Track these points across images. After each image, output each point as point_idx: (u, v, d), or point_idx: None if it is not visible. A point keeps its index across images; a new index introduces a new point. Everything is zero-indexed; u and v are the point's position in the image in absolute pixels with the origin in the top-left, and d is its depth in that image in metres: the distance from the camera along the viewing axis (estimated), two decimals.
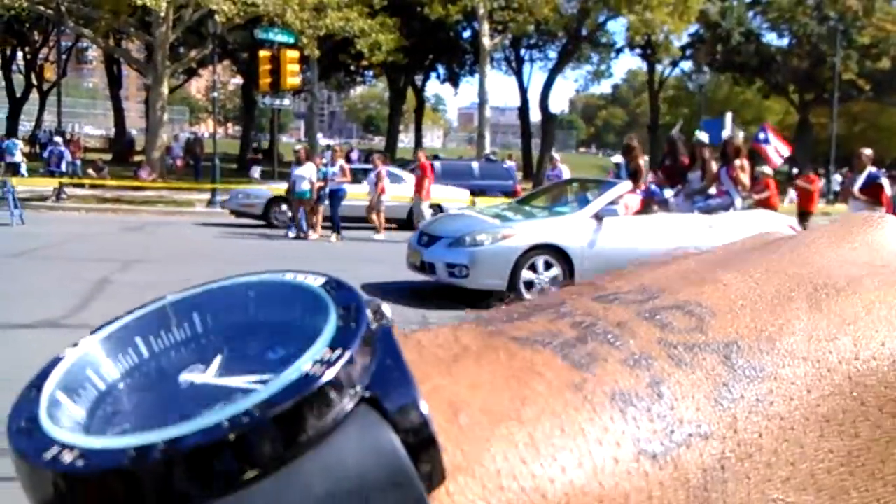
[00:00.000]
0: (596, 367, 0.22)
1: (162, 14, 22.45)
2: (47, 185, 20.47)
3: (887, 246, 0.30)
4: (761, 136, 14.01)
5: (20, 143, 23.96)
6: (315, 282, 0.21)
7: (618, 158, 17.09)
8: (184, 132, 49.79)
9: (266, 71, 21.67)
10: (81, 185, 22.50)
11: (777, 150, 13.90)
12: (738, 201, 9.59)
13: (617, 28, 50.68)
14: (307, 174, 14.29)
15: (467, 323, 0.25)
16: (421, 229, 9.62)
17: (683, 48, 42.29)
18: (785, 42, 44.09)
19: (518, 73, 49.15)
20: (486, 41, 28.74)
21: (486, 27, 28.71)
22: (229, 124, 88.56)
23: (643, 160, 10.70)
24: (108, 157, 38.83)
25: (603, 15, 39.49)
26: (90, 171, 25.58)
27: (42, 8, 23.73)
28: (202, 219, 18.06)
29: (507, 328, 0.25)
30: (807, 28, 40.19)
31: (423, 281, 9.09)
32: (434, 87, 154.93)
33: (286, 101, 23.54)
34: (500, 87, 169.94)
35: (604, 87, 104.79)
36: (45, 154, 21.77)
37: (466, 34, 41.32)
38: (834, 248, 0.29)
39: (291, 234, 14.56)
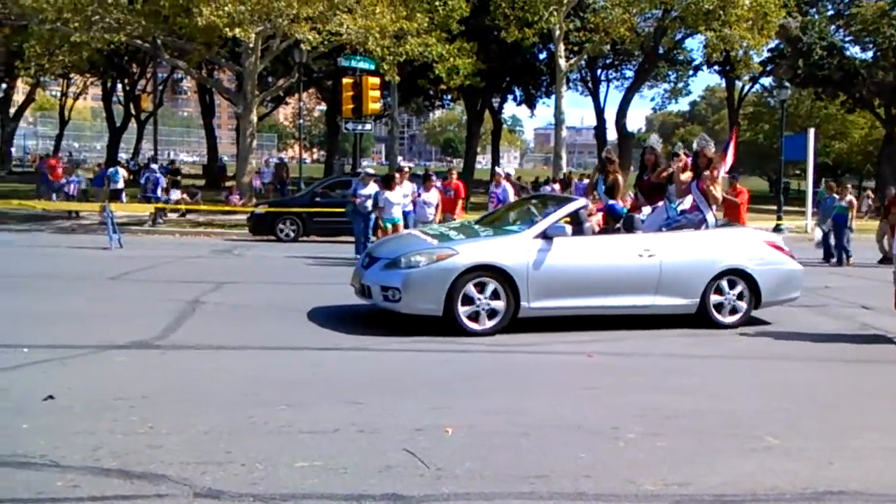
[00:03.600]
0: None
1: (251, 45, 23.59)
2: (144, 210, 21.72)
3: None
4: (729, 142, 13.39)
5: (123, 171, 25.44)
6: None
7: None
8: (272, 157, 51.49)
9: (349, 97, 22.54)
10: (176, 210, 23.75)
11: (732, 158, 13.45)
12: (710, 217, 9.02)
13: (694, 45, 50.20)
14: (395, 199, 13.96)
15: None
16: (367, 251, 9.10)
17: (763, 63, 41.54)
18: (869, 55, 42.87)
19: (594, 93, 49.15)
20: (562, 62, 29.04)
21: (561, 48, 29.02)
22: (315, 149, 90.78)
23: (621, 175, 10.24)
24: (202, 182, 40.59)
25: (680, 32, 39.21)
26: (185, 196, 26.96)
27: (139, 42, 25.19)
28: (289, 242, 18.89)
29: None
30: (892, 40, 38.99)
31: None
32: (511, 108, 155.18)
33: (368, 126, 24.34)
34: (577, 108, 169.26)
35: (681, 105, 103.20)
36: (142, 180, 23.02)
37: (542, 56, 41.61)
38: None
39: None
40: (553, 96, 33.67)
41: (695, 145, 9.51)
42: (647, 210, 9.54)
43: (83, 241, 16.74)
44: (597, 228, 9.03)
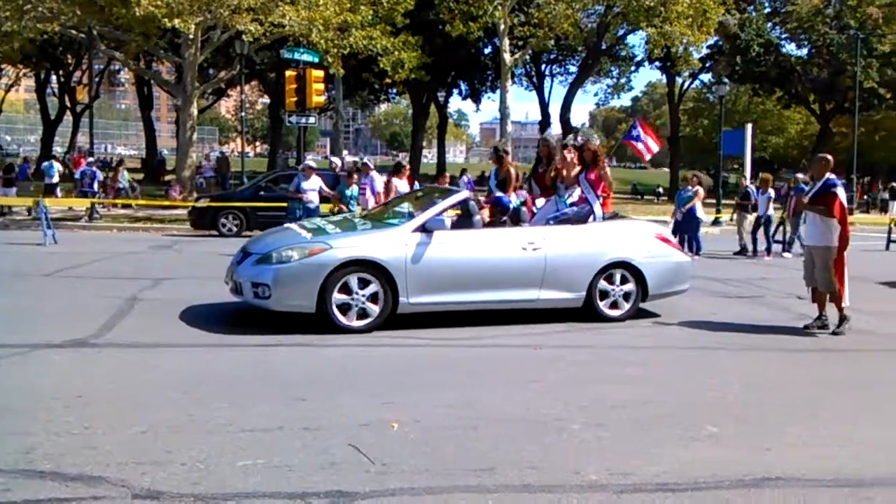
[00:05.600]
0: None
1: (191, 36, 23.14)
2: (80, 204, 21.18)
3: None
4: (633, 132, 13.34)
5: (58, 165, 24.72)
6: None
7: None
8: (214, 151, 50.64)
9: (292, 90, 22.24)
10: (114, 205, 23.20)
11: (647, 145, 13.51)
12: (598, 209, 8.87)
13: (636, 41, 50.97)
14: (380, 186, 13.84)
15: None
16: (242, 245, 8.66)
17: (703, 60, 42.41)
18: (804, 52, 44.13)
19: (539, 88, 49.65)
20: (507, 57, 29.16)
21: (506, 43, 29.15)
22: (258, 143, 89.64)
23: (513, 167, 10.21)
24: (140, 176, 39.69)
25: (622, 29, 39.84)
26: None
27: (74, 32, 24.52)
28: (232, 236, 18.58)
29: None
30: (826, 37, 40.19)
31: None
32: (456, 103, 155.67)
33: (312, 120, 24.07)
34: (522, 102, 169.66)
35: (624, 100, 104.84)
36: (78, 175, 22.42)
37: (487, 50, 41.86)
38: None
39: None
40: (498, 91, 33.81)
41: (579, 138, 9.52)
42: (540, 202, 9.45)
43: (16, 238, 16.24)
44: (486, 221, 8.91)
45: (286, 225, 9.43)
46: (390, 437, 4.62)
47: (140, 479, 3.84)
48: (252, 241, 8.72)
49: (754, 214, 17.10)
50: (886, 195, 38.45)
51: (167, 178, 35.17)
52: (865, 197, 43.54)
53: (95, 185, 21.59)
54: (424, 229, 7.87)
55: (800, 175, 18.34)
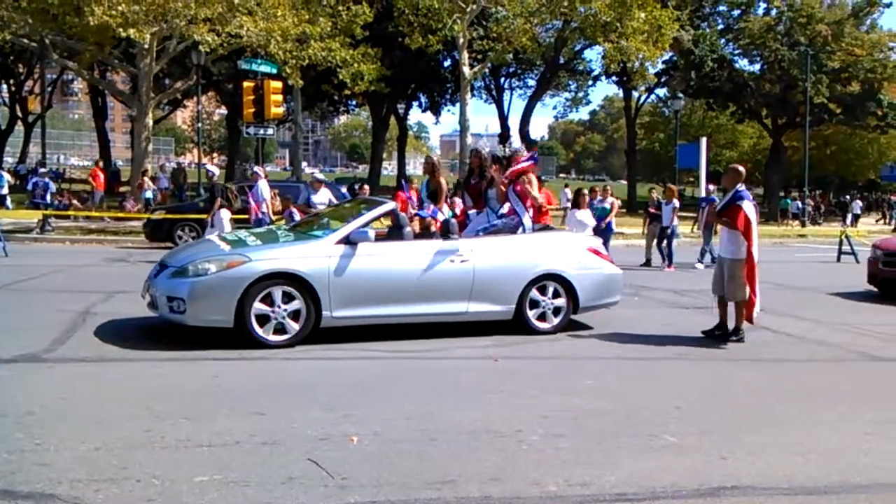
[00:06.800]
0: None
1: (146, 46, 22.86)
2: (32, 216, 20.70)
3: None
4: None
5: (7, 176, 24.17)
6: None
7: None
8: (170, 162, 49.96)
9: (250, 101, 22.07)
10: (66, 217, 22.74)
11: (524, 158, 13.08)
12: (527, 221, 8.82)
13: (593, 56, 51.70)
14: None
15: None
16: (161, 258, 8.43)
17: (658, 75, 43.13)
18: (757, 68, 45.07)
19: (498, 101, 50.00)
20: (467, 70, 29.30)
21: (465, 56, 29.28)
22: (215, 154, 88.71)
23: (444, 180, 10.21)
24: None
25: (579, 44, 40.34)
26: (75, 202, 25.85)
27: (26, 41, 24.06)
28: None
29: None
30: (778, 54, 41.09)
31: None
32: (416, 115, 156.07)
33: (270, 131, 23.89)
34: (482, 115, 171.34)
35: (582, 114, 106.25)
36: (29, 186, 21.96)
37: (447, 63, 42.00)
38: None
39: None
40: (458, 103, 33.96)
41: (507, 150, 9.54)
42: (474, 213, 9.41)
43: None
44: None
45: (206, 237, 9.11)
46: (350, 450, 4.59)
47: (94, 496, 3.75)
48: (170, 254, 8.51)
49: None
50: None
51: (122, 189, 34.55)
52: (812, 208, 44.47)
53: (48, 197, 21.15)
54: (348, 241, 7.71)
55: (711, 186, 18.61)
